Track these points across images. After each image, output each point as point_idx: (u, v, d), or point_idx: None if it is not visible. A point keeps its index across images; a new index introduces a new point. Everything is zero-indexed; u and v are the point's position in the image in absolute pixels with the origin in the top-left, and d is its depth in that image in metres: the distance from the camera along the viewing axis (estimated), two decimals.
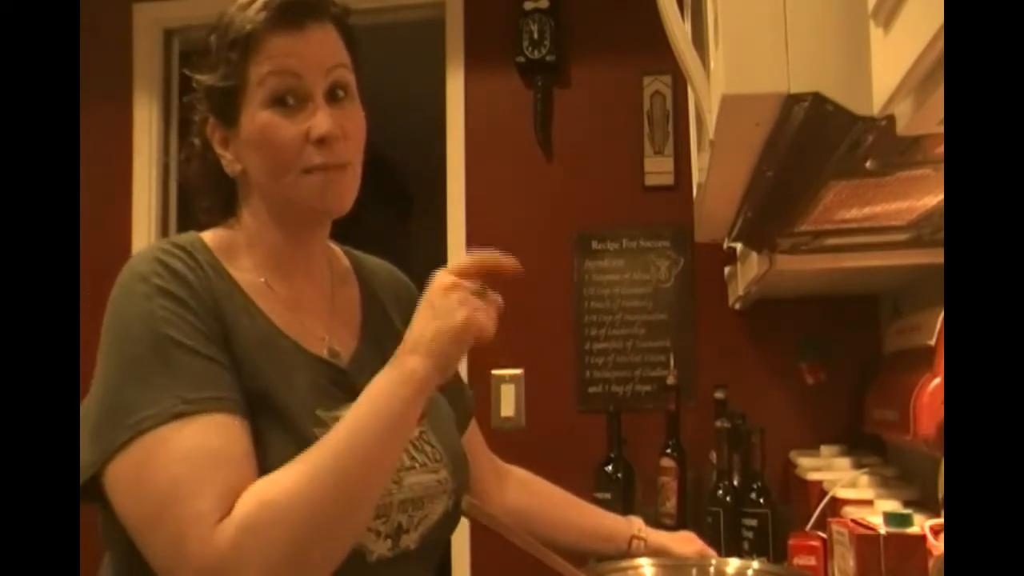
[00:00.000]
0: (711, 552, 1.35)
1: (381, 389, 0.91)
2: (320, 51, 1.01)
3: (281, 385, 0.95)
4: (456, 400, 1.21)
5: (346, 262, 1.19)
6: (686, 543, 1.35)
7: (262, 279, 1.04)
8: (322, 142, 0.99)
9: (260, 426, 0.92)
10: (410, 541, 1.00)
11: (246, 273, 1.04)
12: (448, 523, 1.07)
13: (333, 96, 1.02)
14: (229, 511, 0.84)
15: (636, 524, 1.35)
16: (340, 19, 1.05)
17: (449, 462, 1.07)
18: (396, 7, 2.68)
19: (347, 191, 1.03)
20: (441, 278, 0.94)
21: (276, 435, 0.92)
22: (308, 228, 1.08)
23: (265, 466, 0.89)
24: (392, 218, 4.97)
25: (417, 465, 1.03)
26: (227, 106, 1.02)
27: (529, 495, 1.32)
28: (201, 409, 0.88)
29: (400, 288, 1.22)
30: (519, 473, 1.36)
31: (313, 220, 1.07)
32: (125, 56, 2.75)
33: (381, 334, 1.12)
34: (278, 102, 1.00)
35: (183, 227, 2.75)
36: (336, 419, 0.96)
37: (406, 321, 1.13)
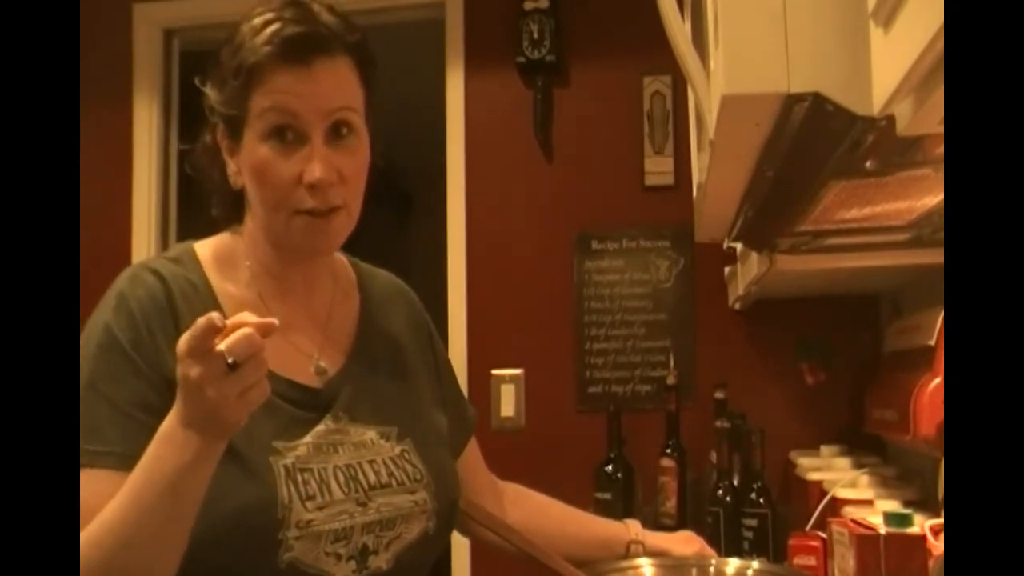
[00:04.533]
0: (710, 551, 1.35)
1: (158, 455, 0.85)
2: (325, 92, 0.99)
3: None
4: (456, 419, 1.21)
5: (352, 274, 1.18)
6: (685, 543, 1.35)
7: (256, 293, 1.05)
8: (313, 187, 0.98)
9: None
10: (381, 562, 0.99)
11: (239, 287, 1.04)
12: (428, 544, 1.05)
13: (336, 133, 1.00)
14: None
15: (633, 528, 1.34)
16: (357, 48, 1.02)
17: (432, 483, 1.05)
18: (396, 7, 2.69)
19: (335, 234, 1.03)
20: (180, 367, 0.82)
21: (225, 468, 0.89)
22: (303, 259, 1.08)
23: (219, 500, 0.89)
24: (392, 218, 4.97)
25: (394, 483, 1.02)
26: (232, 127, 1.02)
27: (525, 511, 1.31)
28: (84, 463, 0.88)
29: (408, 308, 1.22)
30: (514, 489, 1.35)
31: (302, 256, 1.07)
32: (125, 56, 2.75)
33: (376, 348, 1.13)
34: (277, 136, 0.98)
35: (183, 227, 2.78)
36: (294, 449, 0.96)
37: (416, 338, 1.18)
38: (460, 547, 2.41)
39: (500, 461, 1.36)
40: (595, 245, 2.51)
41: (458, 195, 2.58)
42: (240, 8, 1.07)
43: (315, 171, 0.97)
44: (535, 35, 2.51)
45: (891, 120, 0.81)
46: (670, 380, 2.21)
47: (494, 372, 2.51)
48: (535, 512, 1.32)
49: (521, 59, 2.52)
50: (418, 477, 1.04)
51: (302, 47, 0.97)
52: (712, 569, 1.29)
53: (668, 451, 2.13)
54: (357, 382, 1.07)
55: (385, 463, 1.03)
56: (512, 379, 2.50)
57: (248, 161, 1.00)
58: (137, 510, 0.85)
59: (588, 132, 2.55)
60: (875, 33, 0.80)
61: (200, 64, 1.07)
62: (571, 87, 2.56)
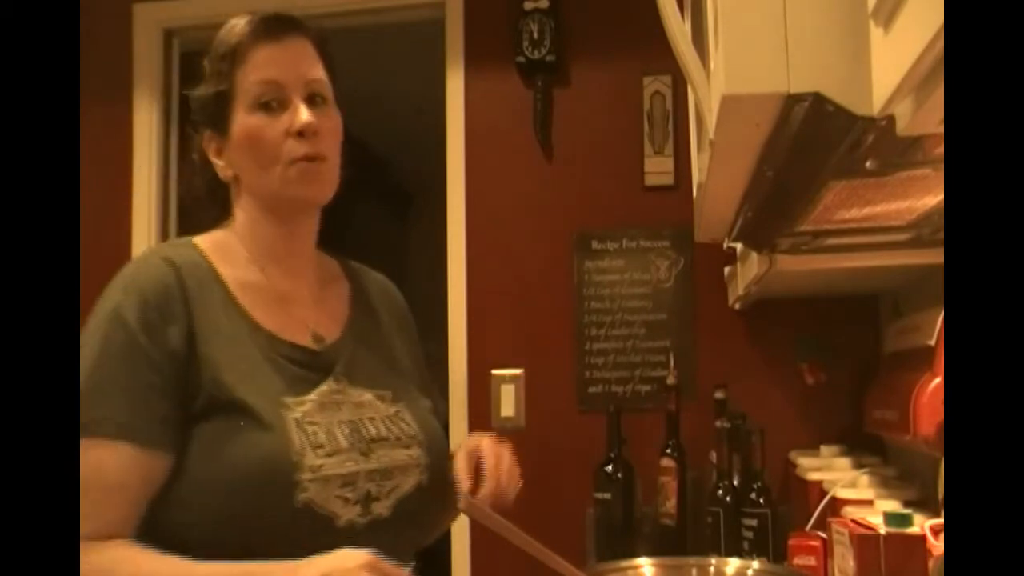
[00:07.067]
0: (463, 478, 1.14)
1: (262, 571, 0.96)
2: (298, 61, 1.14)
3: (247, 378, 1.04)
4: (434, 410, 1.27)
5: (338, 267, 1.29)
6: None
7: (258, 271, 1.15)
8: (301, 135, 1.11)
9: (227, 418, 1.02)
10: (382, 508, 1.08)
11: (239, 269, 1.14)
12: (423, 496, 1.12)
13: (312, 101, 1.14)
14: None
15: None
16: (317, 38, 1.18)
17: (424, 439, 1.15)
18: (396, 7, 2.68)
19: (327, 181, 1.15)
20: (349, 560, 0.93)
21: (240, 423, 1.01)
22: (296, 216, 1.18)
23: (239, 449, 1.00)
24: (392, 218, 4.97)
25: (392, 438, 1.12)
26: (219, 113, 1.14)
27: None
28: (84, 433, 0.94)
29: (394, 302, 1.33)
30: None
31: (298, 208, 1.17)
32: (125, 56, 2.75)
33: (367, 329, 1.23)
34: (262, 107, 1.12)
35: (183, 227, 2.78)
36: (302, 404, 1.06)
37: (400, 329, 1.29)
38: (460, 547, 2.41)
39: None
40: (595, 245, 2.51)
41: (458, 195, 2.58)
42: (240, 9, 1.18)
43: (301, 118, 1.11)
44: (535, 35, 2.51)
45: (891, 120, 0.81)
46: (670, 380, 2.21)
47: (494, 372, 2.51)
48: None
49: (521, 59, 2.52)
50: (412, 434, 1.14)
51: (274, 26, 1.14)
52: (712, 569, 1.29)
53: (668, 451, 2.13)
54: (352, 352, 1.17)
55: (383, 420, 1.13)
56: (512, 379, 2.50)
57: (239, 134, 1.13)
58: None
59: (588, 132, 2.54)
60: (875, 33, 0.80)
61: (200, 65, 1.18)
62: (571, 87, 2.56)
